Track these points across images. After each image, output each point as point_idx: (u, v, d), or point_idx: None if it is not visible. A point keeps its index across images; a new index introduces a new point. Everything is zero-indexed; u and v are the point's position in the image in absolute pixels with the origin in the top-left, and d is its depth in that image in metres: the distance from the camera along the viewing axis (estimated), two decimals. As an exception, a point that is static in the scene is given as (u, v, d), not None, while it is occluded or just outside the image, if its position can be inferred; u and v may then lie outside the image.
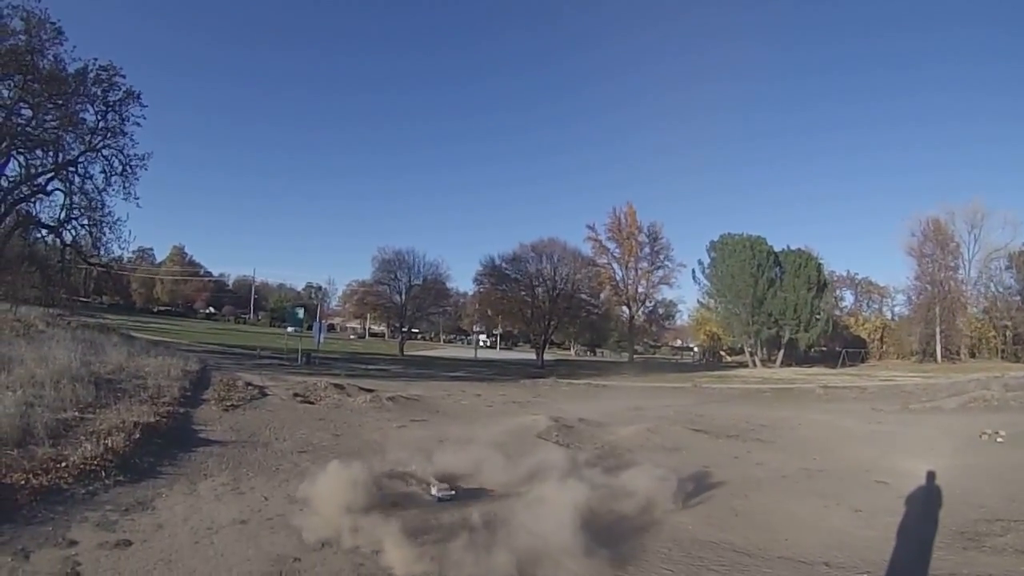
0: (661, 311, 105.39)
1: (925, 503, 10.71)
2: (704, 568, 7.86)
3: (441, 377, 42.19)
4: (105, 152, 38.66)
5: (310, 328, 55.71)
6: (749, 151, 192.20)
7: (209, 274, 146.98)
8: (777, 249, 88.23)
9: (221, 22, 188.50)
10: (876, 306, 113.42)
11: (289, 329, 56.95)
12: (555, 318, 76.41)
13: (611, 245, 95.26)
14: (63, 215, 38.25)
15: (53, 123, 36.59)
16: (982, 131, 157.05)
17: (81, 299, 62.67)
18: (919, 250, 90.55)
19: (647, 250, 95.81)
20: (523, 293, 76.89)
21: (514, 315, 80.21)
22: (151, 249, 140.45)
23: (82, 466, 9.65)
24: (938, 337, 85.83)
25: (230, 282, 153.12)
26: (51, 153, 37.42)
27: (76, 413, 13.36)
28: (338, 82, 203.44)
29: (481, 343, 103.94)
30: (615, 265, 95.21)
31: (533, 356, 77.06)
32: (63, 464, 9.59)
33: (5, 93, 34.91)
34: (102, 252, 41.33)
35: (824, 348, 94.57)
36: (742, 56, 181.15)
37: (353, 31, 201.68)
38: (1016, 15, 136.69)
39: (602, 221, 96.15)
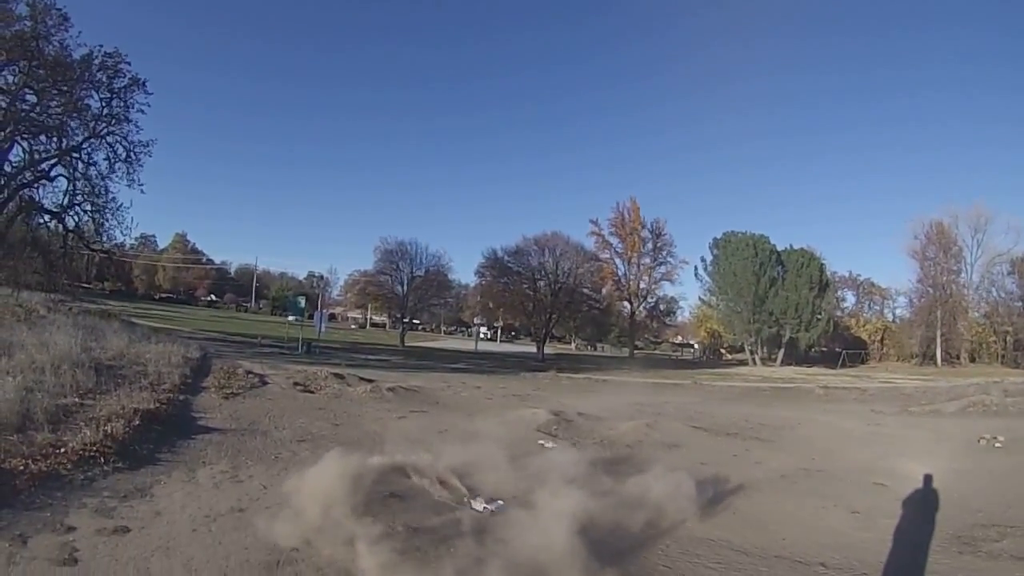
0: (662, 307, 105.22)
1: (922, 506, 10.71)
2: (701, 566, 7.87)
3: (441, 369, 42.30)
4: (109, 139, 38.73)
5: (311, 317, 55.95)
6: (753, 150, 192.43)
7: (211, 262, 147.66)
8: (780, 248, 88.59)
9: (227, 13, 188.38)
10: (877, 308, 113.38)
11: (290, 318, 57.13)
12: (556, 312, 77.00)
13: (614, 240, 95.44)
14: (66, 201, 38.32)
15: (57, 109, 36.61)
16: (988, 134, 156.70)
17: (83, 285, 62.78)
18: (921, 253, 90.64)
19: (650, 246, 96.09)
20: (525, 286, 77.18)
21: (515, 308, 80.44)
22: (153, 236, 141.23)
23: (81, 452, 9.63)
24: (939, 340, 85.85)
25: (232, 270, 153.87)
26: (55, 139, 37.45)
27: (76, 399, 13.34)
28: (344, 74, 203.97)
29: (482, 335, 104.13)
30: (617, 260, 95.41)
31: (533, 349, 77.62)
32: (62, 450, 9.58)
33: (10, 79, 34.95)
34: (104, 238, 41.38)
35: (824, 348, 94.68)
36: (748, 56, 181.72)
37: (359, 23, 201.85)
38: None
39: (605, 216, 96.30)
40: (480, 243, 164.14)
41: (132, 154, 39.07)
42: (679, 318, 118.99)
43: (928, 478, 11.93)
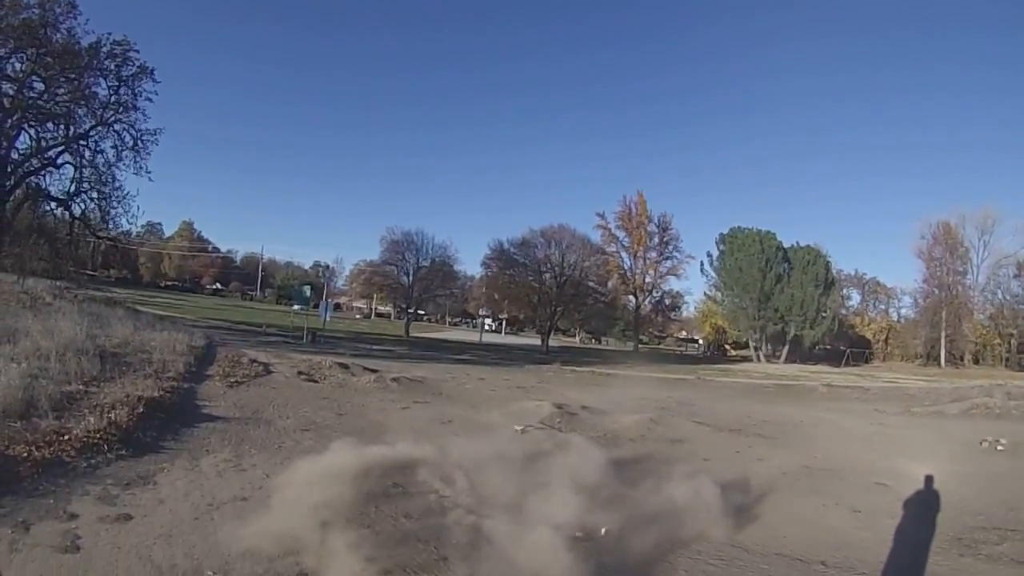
0: (668, 302, 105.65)
1: (923, 507, 10.70)
2: (701, 562, 7.85)
3: (446, 360, 42.44)
4: (116, 126, 38.90)
5: (316, 307, 55.86)
6: (762, 147, 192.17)
7: (217, 250, 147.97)
8: (786, 245, 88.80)
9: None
10: (882, 307, 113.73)
11: (295, 307, 57.48)
12: (561, 305, 77.02)
13: (620, 234, 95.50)
14: (72, 188, 38.48)
15: (65, 97, 36.72)
16: (997, 137, 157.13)
17: (88, 272, 62.92)
18: (928, 253, 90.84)
19: (656, 240, 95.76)
20: (530, 278, 77.33)
21: (520, 300, 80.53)
22: (160, 224, 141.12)
23: (85, 439, 9.64)
24: (943, 341, 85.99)
25: (238, 259, 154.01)
26: (62, 126, 37.59)
27: (80, 386, 13.35)
28: (354, 61, 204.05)
29: (486, 327, 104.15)
30: (623, 254, 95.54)
31: (538, 342, 78.23)
32: (66, 437, 9.57)
33: (18, 66, 35.07)
34: (111, 226, 41.51)
35: (828, 346, 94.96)
36: (760, 55, 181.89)
37: (372, 10, 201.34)
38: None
39: (612, 209, 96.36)
40: (486, 234, 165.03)
41: (139, 142, 39.24)
42: (684, 313, 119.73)
43: (929, 479, 11.91)
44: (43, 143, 37.24)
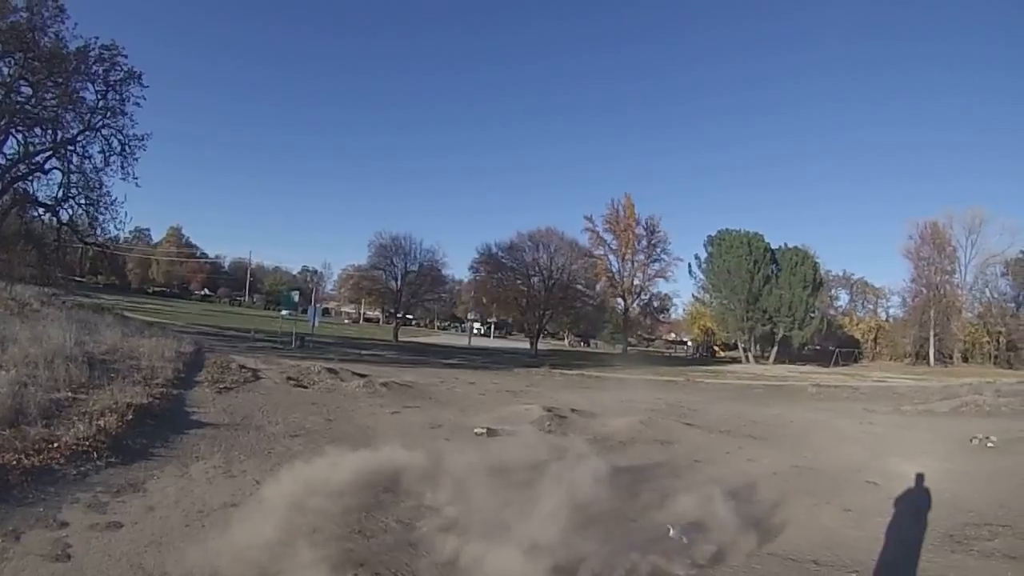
0: (656, 304, 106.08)
1: (914, 505, 10.72)
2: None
3: (435, 364, 42.31)
4: (104, 132, 38.83)
5: (305, 312, 55.76)
6: (751, 149, 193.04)
7: (205, 256, 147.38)
8: (774, 246, 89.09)
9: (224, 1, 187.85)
10: (871, 307, 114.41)
11: (284, 312, 57.24)
12: (550, 308, 77.03)
13: (608, 237, 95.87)
14: (60, 194, 38.40)
15: (52, 101, 36.66)
16: (984, 138, 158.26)
17: (76, 279, 62.67)
18: (916, 253, 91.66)
19: (644, 243, 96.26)
20: (519, 282, 77.31)
21: (509, 304, 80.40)
22: (148, 230, 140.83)
23: (74, 447, 9.65)
24: (932, 340, 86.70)
25: (226, 264, 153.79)
26: (50, 131, 37.53)
27: (69, 393, 13.34)
28: (340, 64, 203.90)
29: (475, 331, 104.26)
30: (612, 257, 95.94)
31: (527, 345, 77.92)
32: (55, 445, 9.57)
33: (5, 71, 34.98)
34: (98, 232, 41.41)
35: (818, 347, 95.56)
36: (747, 58, 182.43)
37: (360, 11, 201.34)
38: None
39: (600, 212, 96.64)
40: (475, 238, 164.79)
41: (127, 147, 39.19)
42: (673, 315, 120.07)
43: (920, 477, 11.95)
44: (31, 148, 37.16)
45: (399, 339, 72.69)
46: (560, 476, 10.02)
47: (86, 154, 38.54)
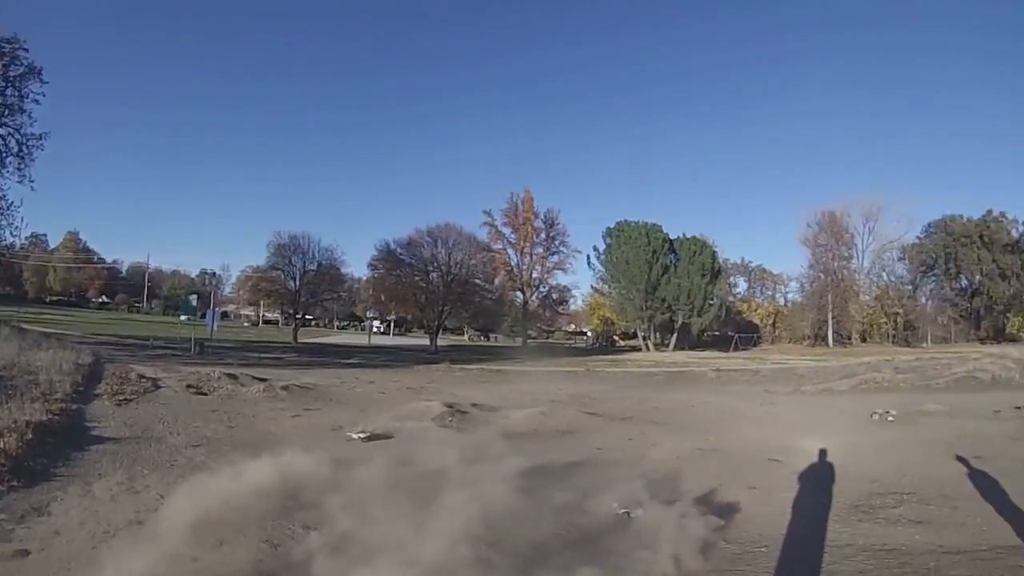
0: (555, 296, 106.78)
1: (819, 479, 10.80)
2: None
3: (335, 364, 41.97)
4: (1, 131, 37.29)
5: (204, 316, 54.94)
6: (649, 142, 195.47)
7: (103, 261, 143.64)
8: (672, 237, 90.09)
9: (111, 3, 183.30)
10: (769, 293, 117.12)
11: (182, 317, 56.39)
12: (448, 303, 77.39)
13: (507, 231, 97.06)
14: (-50, 198, 36.92)
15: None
16: (879, 127, 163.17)
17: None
18: (813, 240, 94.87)
19: (543, 236, 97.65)
20: (417, 278, 77.35)
21: (408, 301, 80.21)
22: (45, 235, 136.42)
23: (-28, 473, 9.14)
24: (830, 323, 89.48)
25: (124, 269, 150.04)
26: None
27: (-37, 416, 12.73)
28: (234, 64, 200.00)
29: (375, 329, 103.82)
30: (510, 250, 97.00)
31: (427, 342, 77.98)
32: (-49, 473, 9.03)
33: None
34: (-8, 239, 40.00)
35: (717, 333, 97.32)
36: (639, 55, 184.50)
37: (244, 14, 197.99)
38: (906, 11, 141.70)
39: (500, 207, 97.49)
40: (373, 235, 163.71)
41: (24, 148, 37.67)
42: (572, 307, 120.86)
43: (823, 452, 12.09)
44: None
45: (299, 340, 72.06)
46: (464, 480, 9.61)
47: (-21, 155, 37.11)
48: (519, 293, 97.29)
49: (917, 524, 8.69)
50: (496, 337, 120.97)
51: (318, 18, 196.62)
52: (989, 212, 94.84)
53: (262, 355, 45.76)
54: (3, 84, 36.66)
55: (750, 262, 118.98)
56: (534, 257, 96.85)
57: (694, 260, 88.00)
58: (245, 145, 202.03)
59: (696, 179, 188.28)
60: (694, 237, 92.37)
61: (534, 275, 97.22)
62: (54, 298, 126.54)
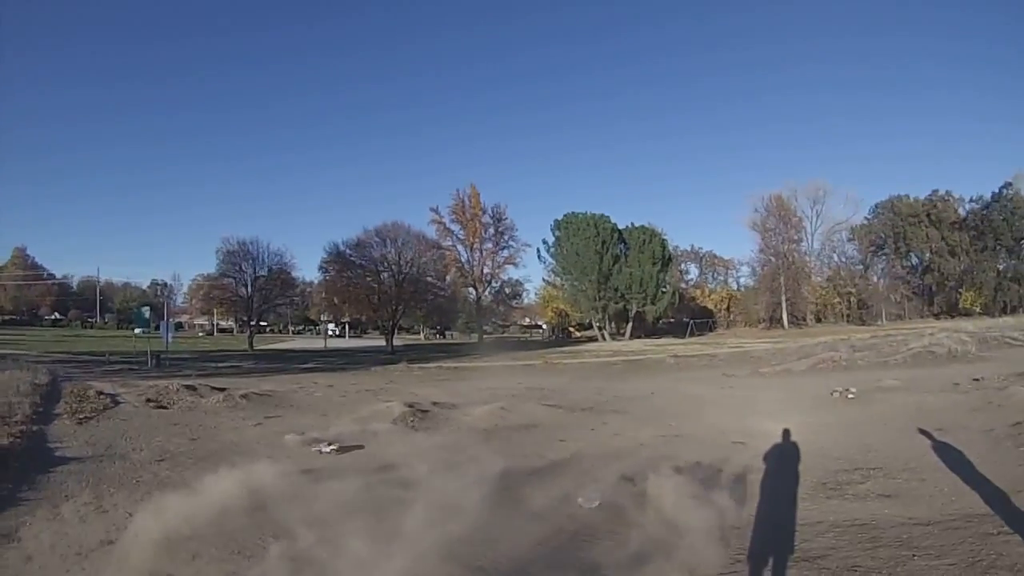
0: (508, 291, 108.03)
1: (784, 459, 10.82)
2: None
3: (292, 370, 41.65)
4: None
5: (158, 328, 54.44)
6: (591, 130, 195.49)
7: (52, 276, 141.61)
8: (621, 226, 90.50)
9: (47, 13, 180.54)
10: (721, 278, 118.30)
11: (137, 331, 56.31)
12: (402, 303, 77.33)
13: (455, 227, 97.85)
14: None
15: None
16: (825, 107, 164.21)
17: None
18: (762, 225, 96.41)
19: (491, 231, 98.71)
20: (368, 279, 77.47)
21: (360, 302, 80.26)
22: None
23: (-62, 504, 8.89)
24: (784, 305, 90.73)
25: (74, 284, 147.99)
26: None
27: (-79, 445, 12.46)
28: (166, 68, 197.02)
29: (330, 332, 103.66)
30: (460, 247, 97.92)
31: (383, 343, 77.87)
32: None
33: None
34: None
35: (672, 320, 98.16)
36: (577, 41, 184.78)
37: (190, 14, 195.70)
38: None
39: (446, 203, 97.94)
40: (322, 237, 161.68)
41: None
42: (526, 300, 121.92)
43: (787, 432, 12.13)
44: None
45: (255, 347, 71.75)
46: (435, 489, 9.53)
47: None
48: (471, 289, 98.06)
49: (885, 498, 8.79)
50: (452, 334, 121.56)
51: (255, 10, 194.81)
52: (935, 192, 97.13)
53: (219, 364, 45.42)
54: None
55: (700, 248, 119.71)
56: (484, 252, 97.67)
57: (644, 249, 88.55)
58: (186, 149, 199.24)
59: (641, 167, 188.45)
60: (643, 226, 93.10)
61: (485, 270, 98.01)
62: (5, 317, 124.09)
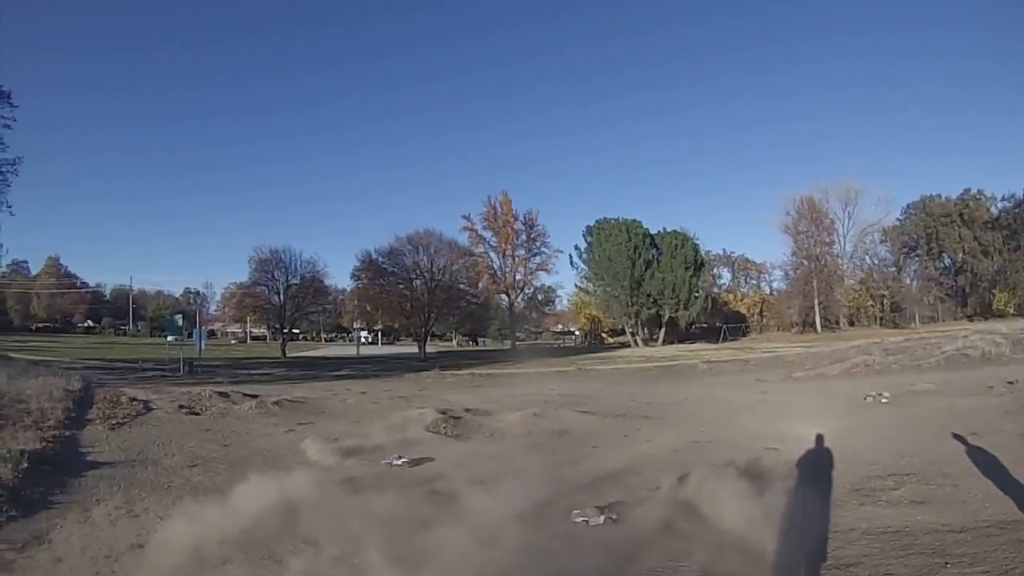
0: (540, 297, 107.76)
1: (817, 465, 10.78)
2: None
3: (325, 377, 41.78)
4: (-27, 158, 36.69)
5: (191, 336, 54.81)
6: (622, 134, 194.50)
7: (86, 285, 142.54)
8: (653, 231, 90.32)
9: (82, 21, 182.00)
10: (754, 282, 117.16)
11: (170, 338, 56.14)
12: (434, 310, 77.58)
13: (487, 234, 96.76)
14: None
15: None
16: (857, 106, 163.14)
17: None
18: (794, 227, 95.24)
19: (523, 237, 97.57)
20: (401, 286, 77.74)
21: (393, 309, 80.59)
22: (25, 262, 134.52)
23: (-29, 505, 9.03)
24: (817, 308, 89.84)
25: (107, 292, 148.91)
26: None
27: (-43, 448, 12.60)
28: (202, 75, 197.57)
29: (363, 339, 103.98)
30: (492, 254, 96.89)
31: (415, 350, 78.02)
32: (-51, 506, 8.93)
33: None
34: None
35: (705, 325, 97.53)
36: (612, 47, 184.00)
37: (220, 17, 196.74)
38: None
39: (477, 210, 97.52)
40: (354, 244, 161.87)
41: (-1, 174, 37.05)
42: (558, 306, 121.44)
43: (820, 438, 12.07)
44: None
45: (287, 355, 72.32)
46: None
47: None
48: (504, 296, 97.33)
49: (919, 504, 8.73)
50: (484, 341, 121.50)
51: (282, 15, 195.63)
52: (967, 190, 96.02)
53: (252, 371, 45.76)
54: (-29, 111, 36.10)
55: (732, 252, 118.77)
56: (516, 259, 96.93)
57: (676, 254, 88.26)
58: (218, 157, 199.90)
59: (672, 171, 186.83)
60: (675, 231, 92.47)
61: (517, 277, 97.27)
62: (39, 325, 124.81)
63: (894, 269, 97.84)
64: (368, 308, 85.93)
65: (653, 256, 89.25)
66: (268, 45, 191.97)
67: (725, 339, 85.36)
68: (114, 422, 17.96)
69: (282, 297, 75.67)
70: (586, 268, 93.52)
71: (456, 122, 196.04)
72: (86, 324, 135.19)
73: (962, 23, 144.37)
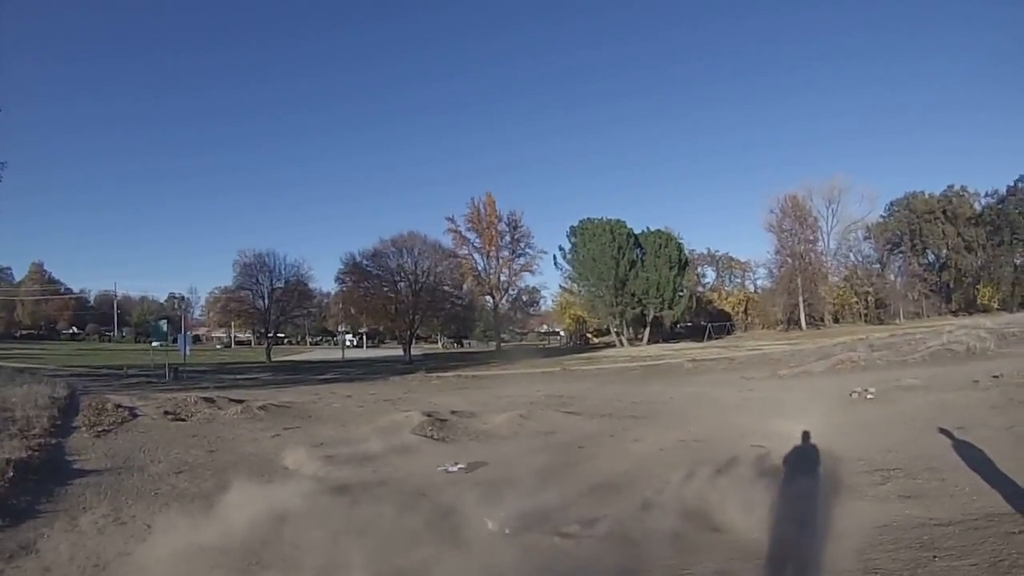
0: (525, 298, 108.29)
1: (804, 461, 10.80)
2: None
3: (310, 381, 41.79)
4: (-43, 165, 36.40)
5: (176, 341, 54.62)
6: (605, 135, 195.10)
7: (70, 291, 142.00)
8: (637, 231, 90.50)
9: (62, 28, 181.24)
10: (738, 280, 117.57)
11: (154, 344, 56.25)
12: (419, 312, 77.85)
13: (471, 236, 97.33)
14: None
15: None
16: (840, 105, 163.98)
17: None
18: (778, 226, 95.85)
19: (507, 239, 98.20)
20: (385, 289, 77.85)
21: (378, 312, 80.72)
22: (9, 268, 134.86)
23: (-43, 516, 8.94)
24: (801, 306, 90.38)
25: (92, 298, 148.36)
26: None
27: (-59, 458, 12.51)
28: (181, 81, 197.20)
29: (348, 343, 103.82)
30: (476, 255, 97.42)
31: (400, 352, 78.27)
32: (-66, 517, 8.85)
33: None
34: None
35: (690, 324, 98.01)
36: (590, 46, 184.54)
37: (193, 28, 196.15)
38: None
39: (461, 212, 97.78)
40: (338, 247, 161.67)
41: (-18, 180, 36.77)
42: (543, 307, 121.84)
43: (806, 435, 12.07)
44: None
45: (272, 359, 72.38)
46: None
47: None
48: (488, 297, 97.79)
49: (906, 499, 8.77)
50: (469, 343, 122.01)
51: (267, 20, 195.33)
52: (950, 187, 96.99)
53: (237, 376, 45.73)
54: (-47, 118, 35.89)
55: (716, 251, 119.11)
56: (500, 260, 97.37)
57: (660, 253, 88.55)
58: (201, 161, 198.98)
59: (655, 172, 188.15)
60: (659, 230, 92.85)
61: (502, 278, 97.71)
62: (24, 332, 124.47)
63: (878, 266, 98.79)
64: (353, 311, 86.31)
65: (637, 256, 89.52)
66: (251, 51, 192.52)
67: (710, 338, 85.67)
68: (100, 429, 17.87)
69: (267, 301, 76.02)
70: (570, 268, 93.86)
71: (440, 125, 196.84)
72: (71, 331, 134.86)
73: (945, 22, 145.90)
